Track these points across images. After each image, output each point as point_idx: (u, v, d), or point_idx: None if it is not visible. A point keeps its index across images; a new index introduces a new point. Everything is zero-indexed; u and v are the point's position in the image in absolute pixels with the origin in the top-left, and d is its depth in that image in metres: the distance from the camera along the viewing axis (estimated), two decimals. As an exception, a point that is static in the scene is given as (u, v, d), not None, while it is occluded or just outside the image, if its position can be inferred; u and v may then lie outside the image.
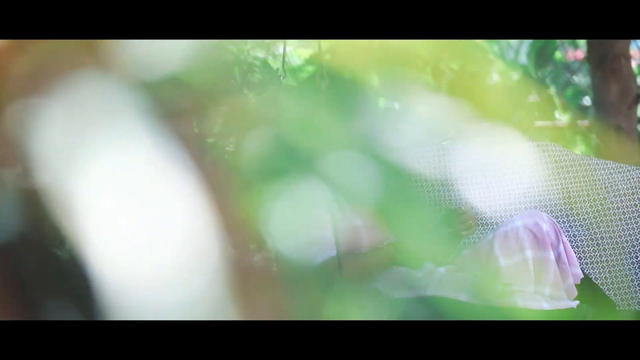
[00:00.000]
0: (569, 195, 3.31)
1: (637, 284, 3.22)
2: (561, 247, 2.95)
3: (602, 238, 3.26)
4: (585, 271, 3.19)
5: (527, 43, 7.04)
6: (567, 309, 2.81)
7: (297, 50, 7.06)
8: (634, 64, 6.44)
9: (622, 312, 2.87)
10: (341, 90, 2.61)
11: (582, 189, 3.33)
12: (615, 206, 3.30)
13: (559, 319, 2.79)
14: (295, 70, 6.91)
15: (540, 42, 6.65)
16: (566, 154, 3.36)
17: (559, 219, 3.29)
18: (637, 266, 3.23)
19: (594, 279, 3.19)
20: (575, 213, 3.31)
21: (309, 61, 6.58)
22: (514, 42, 7.42)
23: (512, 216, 3.09)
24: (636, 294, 3.20)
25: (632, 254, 3.25)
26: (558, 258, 2.95)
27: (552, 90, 6.78)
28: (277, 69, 3.03)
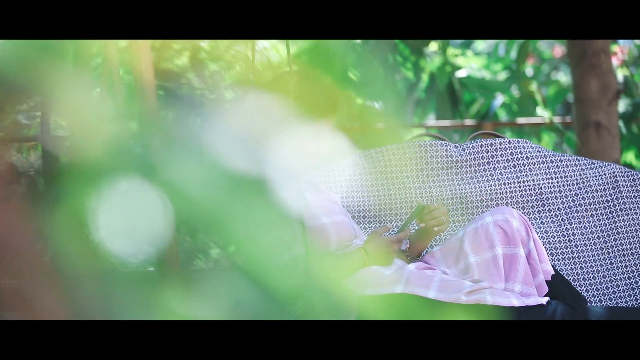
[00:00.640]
0: (540, 192, 3.32)
1: (608, 280, 3.23)
2: (531, 243, 2.96)
3: (573, 234, 3.27)
4: (556, 267, 3.20)
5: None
6: (537, 305, 2.82)
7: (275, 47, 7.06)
8: (616, 61, 6.46)
9: (594, 308, 2.88)
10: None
11: (553, 185, 3.34)
12: (587, 202, 3.31)
13: (528, 315, 2.80)
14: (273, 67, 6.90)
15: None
16: (538, 151, 3.37)
17: (531, 215, 3.30)
18: (608, 262, 3.24)
19: (566, 275, 3.20)
20: (547, 209, 3.32)
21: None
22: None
23: (483, 213, 3.09)
24: (607, 290, 3.21)
25: (604, 250, 3.26)
26: (528, 255, 2.96)
27: (534, 86, 6.79)
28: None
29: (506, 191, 3.29)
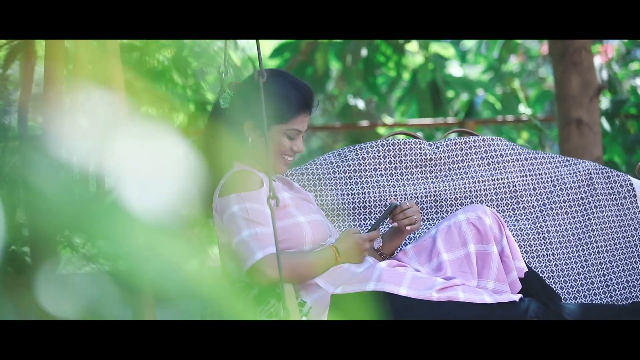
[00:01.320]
0: (515, 189, 3.32)
1: (583, 277, 3.23)
2: (504, 241, 2.96)
3: (548, 231, 3.27)
4: (531, 264, 3.20)
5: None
6: (509, 302, 2.82)
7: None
8: (600, 58, 6.46)
9: (567, 305, 2.88)
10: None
11: (528, 183, 3.34)
12: (562, 199, 3.32)
13: (500, 312, 2.80)
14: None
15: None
16: (512, 148, 3.37)
17: (506, 212, 3.30)
18: (583, 259, 3.25)
19: (540, 272, 3.20)
20: (521, 207, 3.32)
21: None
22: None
23: (456, 210, 3.09)
24: (582, 287, 3.22)
25: (578, 247, 3.26)
26: (501, 252, 2.96)
27: (517, 83, 6.79)
28: (219, 67, 3.03)
29: (480, 189, 3.29)
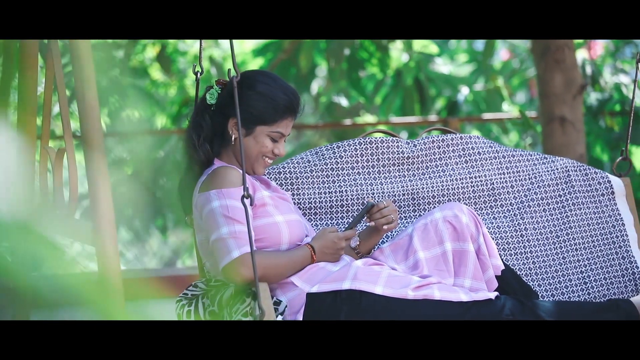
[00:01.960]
0: (492, 187, 3.32)
1: (560, 274, 3.23)
2: (481, 239, 2.96)
3: (526, 229, 3.27)
4: (509, 262, 3.20)
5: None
6: (485, 300, 2.82)
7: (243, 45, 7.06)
8: (582, 57, 6.47)
9: (543, 302, 2.88)
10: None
11: (505, 180, 3.34)
12: (539, 197, 3.32)
13: (476, 310, 2.80)
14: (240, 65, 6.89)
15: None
16: (489, 146, 3.37)
17: (483, 210, 3.30)
18: (560, 256, 3.25)
19: (518, 269, 3.20)
20: (499, 204, 3.32)
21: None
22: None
23: (434, 208, 3.09)
24: (560, 284, 3.22)
25: (556, 244, 3.26)
26: (478, 250, 2.96)
27: (500, 81, 6.80)
28: (195, 66, 3.03)
29: (458, 187, 3.29)
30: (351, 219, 3.15)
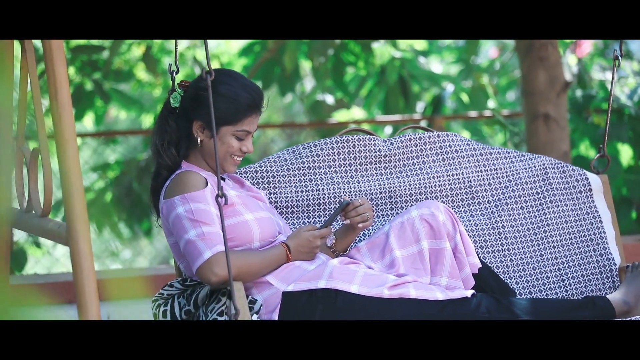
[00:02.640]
0: (470, 185, 3.32)
1: (538, 271, 3.23)
2: (458, 237, 2.96)
3: (503, 227, 3.27)
4: (486, 260, 3.21)
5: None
6: (461, 298, 2.82)
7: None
8: (567, 54, 6.47)
9: (519, 300, 2.88)
10: None
11: (483, 178, 3.34)
12: (517, 195, 3.32)
13: (452, 308, 2.80)
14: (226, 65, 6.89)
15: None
16: (467, 144, 3.38)
17: (461, 208, 3.30)
18: (538, 254, 3.25)
19: (496, 267, 3.21)
20: (476, 202, 3.32)
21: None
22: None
23: (411, 207, 3.09)
24: (537, 281, 3.22)
25: (534, 242, 3.26)
26: (455, 248, 2.96)
27: (485, 79, 6.80)
28: (170, 65, 3.03)
29: (435, 185, 3.29)
30: (327, 218, 3.15)
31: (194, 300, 2.82)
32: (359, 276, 2.82)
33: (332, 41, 5.89)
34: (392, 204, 3.26)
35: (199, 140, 2.88)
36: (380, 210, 3.25)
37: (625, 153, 6.22)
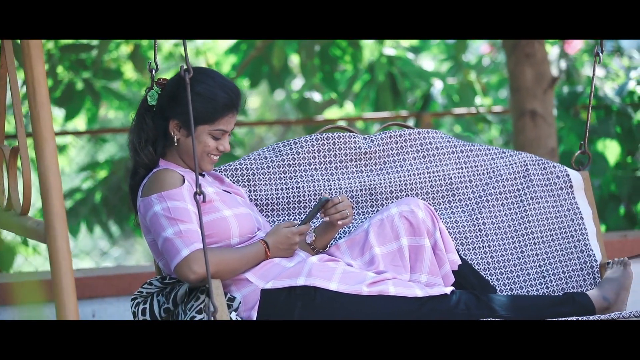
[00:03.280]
0: (451, 182, 3.33)
1: (519, 268, 3.24)
2: (437, 234, 2.96)
3: (484, 224, 3.28)
4: (467, 257, 3.21)
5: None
6: (440, 295, 2.83)
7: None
8: (555, 51, 6.47)
9: (498, 297, 2.89)
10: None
11: (464, 175, 3.35)
12: (498, 191, 3.32)
13: (431, 305, 2.80)
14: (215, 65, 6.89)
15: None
16: (447, 141, 3.38)
17: (441, 205, 3.30)
18: (519, 251, 3.26)
19: (476, 264, 3.21)
20: (457, 199, 3.32)
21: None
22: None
23: (389, 204, 3.09)
24: (518, 278, 3.23)
25: (515, 239, 3.27)
26: (434, 245, 2.96)
27: (473, 75, 6.80)
28: (150, 63, 3.02)
29: (416, 182, 3.30)
30: (307, 215, 3.15)
31: (172, 298, 2.83)
32: (338, 273, 2.83)
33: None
34: (372, 201, 3.27)
35: (175, 139, 2.88)
36: (361, 208, 3.25)
37: (614, 150, 6.22)
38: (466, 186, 3.33)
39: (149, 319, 2.87)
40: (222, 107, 2.86)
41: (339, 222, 2.94)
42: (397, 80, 6.29)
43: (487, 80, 7.68)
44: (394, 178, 3.28)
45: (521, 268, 3.23)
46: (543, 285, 3.21)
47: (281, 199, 3.21)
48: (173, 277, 2.85)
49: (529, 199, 3.30)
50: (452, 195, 3.32)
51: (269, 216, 3.19)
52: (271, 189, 3.21)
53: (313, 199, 3.22)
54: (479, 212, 3.28)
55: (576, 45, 8.24)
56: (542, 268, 3.23)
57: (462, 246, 3.23)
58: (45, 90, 2.46)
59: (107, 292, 4.33)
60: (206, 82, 2.86)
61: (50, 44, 6.17)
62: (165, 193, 2.78)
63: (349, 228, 3.18)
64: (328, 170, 3.28)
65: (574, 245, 3.26)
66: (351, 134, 3.32)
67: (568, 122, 6.22)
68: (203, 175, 2.98)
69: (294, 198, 3.21)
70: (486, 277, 3.14)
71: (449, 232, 3.16)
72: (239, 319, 2.78)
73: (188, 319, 2.76)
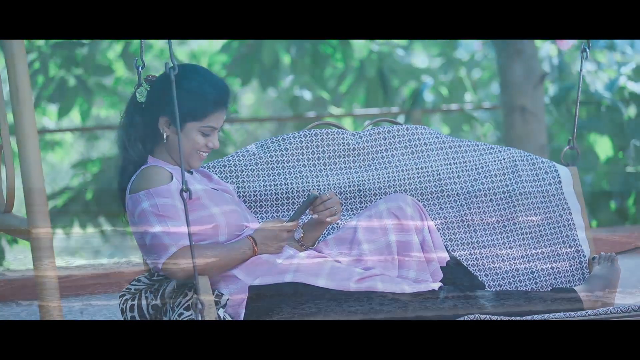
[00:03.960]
0: (439, 177, 3.32)
1: (507, 264, 3.23)
2: (425, 230, 2.96)
3: (472, 219, 3.27)
4: (455, 252, 3.21)
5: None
6: (428, 291, 2.82)
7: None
8: (546, 47, 6.48)
9: (485, 292, 2.89)
10: None
11: (452, 171, 3.34)
12: (486, 187, 3.32)
13: (419, 301, 2.80)
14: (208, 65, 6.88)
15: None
16: (436, 137, 3.37)
17: (430, 201, 3.30)
18: (507, 246, 3.25)
19: (465, 260, 3.21)
20: (445, 195, 3.32)
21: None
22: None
23: (377, 200, 3.09)
24: (507, 274, 3.22)
25: (503, 234, 3.27)
26: (422, 241, 2.96)
27: (463, 72, 6.80)
28: (136, 60, 3.01)
29: (404, 178, 3.29)
30: (295, 211, 3.15)
31: (160, 294, 2.82)
32: (326, 270, 2.82)
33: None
34: (361, 198, 3.26)
35: (164, 136, 2.87)
36: (349, 204, 3.25)
37: (604, 145, 6.22)
38: (454, 182, 3.32)
39: (137, 315, 2.86)
40: (211, 104, 2.85)
41: (328, 219, 2.94)
42: (386, 77, 6.28)
43: (480, 76, 7.68)
44: (383, 174, 3.27)
45: (510, 264, 3.23)
46: (531, 280, 3.20)
47: (269, 196, 3.20)
48: (161, 273, 2.84)
49: (517, 194, 3.30)
50: (440, 191, 3.31)
51: (257, 213, 3.18)
52: (259, 185, 3.20)
53: (301, 195, 3.21)
54: (467, 208, 3.28)
55: (569, 42, 8.25)
56: (531, 264, 3.23)
57: (451, 242, 3.23)
58: (28, 88, 2.45)
59: (96, 289, 4.32)
60: (194, 79, 2.85)
61: (40, 41, 6.16)
62: (153, 190, 2.77)
63: (338, 224, 3.18)
64: (316, 167, 3.27)
65: (563, 240, 3.26)
66: (340, 130, 3.31)
67: (560, 118, 6.23)
68: (191, 173, 2.97)
69: (282, 194, 3.21)
70: (474, 273, 3.14)
71: (437, 228, 3.15)
72: (227, 315, 2.77)
73: (176, 316, 2.75)
